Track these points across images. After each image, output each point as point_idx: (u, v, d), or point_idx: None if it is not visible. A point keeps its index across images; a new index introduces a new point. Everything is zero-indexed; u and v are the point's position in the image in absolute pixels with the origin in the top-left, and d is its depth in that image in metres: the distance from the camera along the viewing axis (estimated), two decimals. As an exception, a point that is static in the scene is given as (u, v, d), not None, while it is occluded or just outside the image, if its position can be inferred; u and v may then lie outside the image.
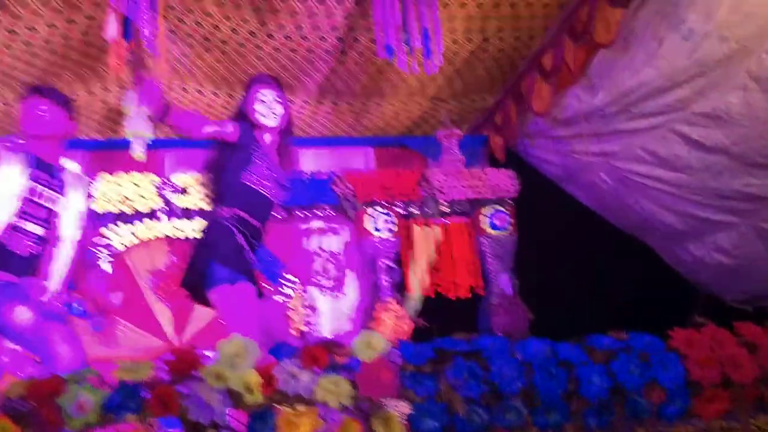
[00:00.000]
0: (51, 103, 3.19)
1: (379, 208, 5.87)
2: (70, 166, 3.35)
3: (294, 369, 1.78)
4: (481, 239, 6.00)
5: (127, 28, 3.61)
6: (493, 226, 6.02)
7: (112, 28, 3.55)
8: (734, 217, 5.09)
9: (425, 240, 6.04)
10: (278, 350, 1.89)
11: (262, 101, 3.17)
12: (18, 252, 2.94)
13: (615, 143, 5.29)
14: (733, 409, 1.87)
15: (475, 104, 6.23)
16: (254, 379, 1.74)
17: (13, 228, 2.93)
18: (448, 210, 6.00)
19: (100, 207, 5.45)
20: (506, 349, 1.90)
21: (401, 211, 5.95)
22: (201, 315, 5.41)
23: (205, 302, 2.86)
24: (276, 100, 3.22)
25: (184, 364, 1.75)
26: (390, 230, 5.84)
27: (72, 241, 3.13)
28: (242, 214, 2.89)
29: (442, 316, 5.71)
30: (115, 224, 5.50)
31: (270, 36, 4.81)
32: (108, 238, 5.45)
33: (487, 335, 1.95)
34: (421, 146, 6.54)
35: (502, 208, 6.08)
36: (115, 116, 5.71)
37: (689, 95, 4.41)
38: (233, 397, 1.72)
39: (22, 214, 2.97)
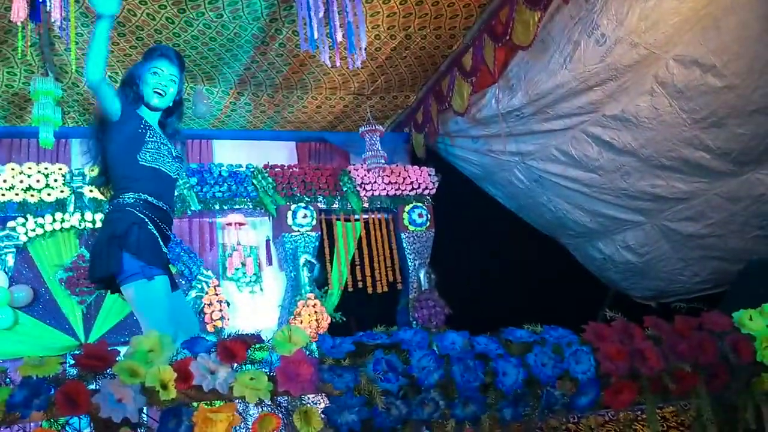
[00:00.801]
0: None
1: (300, 203, 5.83)
2: None
3: (211, 364, 1.74)
4: (401, 235, 6.06)
5: (36, 10, 3.43)
6: (413, 222, 6.09)
7: (19, 9, 3.35)
8: (641, 217, 5.32)
9: (346, 235, 6.05)
10: (194, 345, 1.83)
11: (156, 74, 2.88)
12: None
13: (531, 143, 5.44)
14: (640, 399, 1.95)
15: (397, 101, 6.27)
16: (169, 375, 1.69)
17: None
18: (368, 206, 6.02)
19: (3, 197, 5.17)
20: (425, 342, 1.92)
21: (322, 206, 5.93)
22: (113, 310, 5.22)
23: (119, 292, 2.74)
24: (172, 78, 2.92)
25: (95, 360, 1.68)
26: (311, 225, 5.81)
27: None
28: (150, 198, 2.73)
29: (362, 310, 5.73)
30: (21, 216, 5.20)
31: (188, 23, 4.68)
32: (11, 230, 5.16)
33: (406, 328, 1.96)
34: (343, 142, 6.53)
35: (421, 205, 6.17)
36: (21, 102, 5.44)
37: (601, 98, 4.58)
38: (147, 394, 1.66)
39: None
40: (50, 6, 3.35)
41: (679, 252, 5.40)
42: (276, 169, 5.90)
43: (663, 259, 5.53)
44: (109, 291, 2.80)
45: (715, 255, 5.22)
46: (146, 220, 2.70)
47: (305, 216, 5.81)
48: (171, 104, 2.97)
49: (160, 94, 2.89)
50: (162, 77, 2.89)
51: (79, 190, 5.38)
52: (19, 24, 3.45)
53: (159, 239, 2.73)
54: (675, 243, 5.33)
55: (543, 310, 2.57)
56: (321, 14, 3.73)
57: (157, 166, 2.80)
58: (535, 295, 5.48)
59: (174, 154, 2.90)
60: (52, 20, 3.43)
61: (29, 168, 5.30)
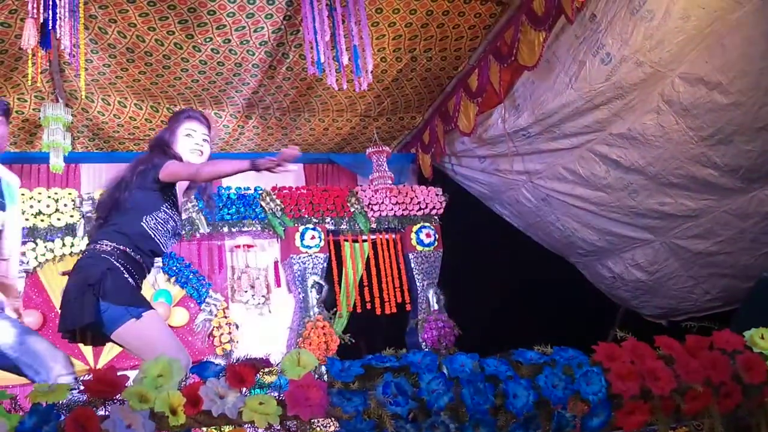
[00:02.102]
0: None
1: (308, 225, 5.85)
2: (11, 178, 3.07)
3: (220, 389, 1.74)
4: (409, 255, 6.05)
5: (46, 37, 3.47)
6: (421, 243, 6.09)
7: (30, 37, 3.39)
8: (650, 234, 5.30)
9: (354, 256, 6.05)
10: (203, 369, 1.83)
11: (190, 136, 2.92)
12: None
13: (538, 162, 5.45)
14: (652, 420, 1.93)
15: (403, 122, 6.30)
16: (178, 400, 1.69)
17: None
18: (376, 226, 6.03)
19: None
20: (434, 364, 1.91)
21: (330, 227, 5.94)
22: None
23: (100, 343, 2.68)
24: (204, 137, 2.96)
25: (104, 386, 1.68)
26: (319, 246, 5.81)
27: (17, 257, 2.96)
28: (127, 250, 2.67)
29: (371, 332, 5.71)
30: (31, 241, 5.23)
31: (196, 48, 4.73)
32: (21, 255, 5.18)
33: (415, 351, 1.95)
34: (350, 163, 6.56)
35: (429, 225, 6.17)
36: (32, 128, 5.49)
37: (607, 117, 4.59)
38: (156, 420, 1.66)
39: None
40: (60, 33, 3.40)
41: (688, 270, 5.36)
42: (284, 191, 5.92)
43: (673, 277, 5.50)
44: (81, 343, 2.72)
45: (725, 272, 5.19)
46: (121, 268, 2.64)
47: (313, 237, 5.81)
48: None
49: (197, 153, 2.94)
50: (196, 137, 2.94)
51: (89, 214, 5.41)
52: (29, 51, 3.49)
53: (134, 286, 2.69)
54: (684, 261, 5.30)
55: (553, 330, 2.56)
56: (327, 38, 3.77)
57: (153, 236, 2.77)
58: (545, 315, 5.46)
59: (174, 232, 2.89)
60: (62, 47, 3.48)
61: (39, 193, 5.34)
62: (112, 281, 2.56)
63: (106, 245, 2.67)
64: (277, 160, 2.52)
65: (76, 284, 2.60)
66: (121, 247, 2.67)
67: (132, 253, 2.70)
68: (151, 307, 2.68)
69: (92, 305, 2.50)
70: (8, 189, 2.99)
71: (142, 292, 2.77)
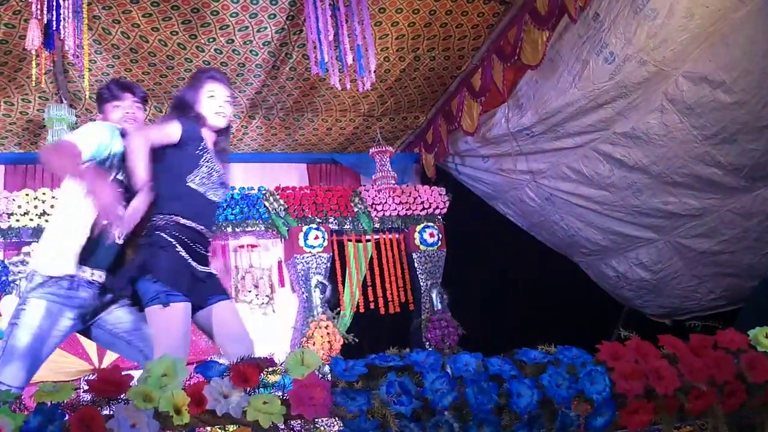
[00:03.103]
0: None
1: (311, 224, 5.85)
2: None
3: (224, 388, 1.74)
4: (413, 255, 6.05)
5: (50, 38, 3.48)
6: (424, 242, 6.09)
7: (33, 38, 3.40)
8: (654, 234, 5.29)
9: (357, 256, 6.05)
10: (207, 369, 1.83)
11: (213, 97, 2.92)
12: None
13: (541, 162, 5.44)
14: (656, 419, 1.93)
15: (406, 122, 6.30)
16: (183, 399, 1.69)
17: None
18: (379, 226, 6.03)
19: (18, 222, 5.21)
20: (438, 364, 1.91)
21: (334, 227, 5.94)
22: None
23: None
24: (226, 99, 2.95)
25: (109, 385, 1.69)
26: (322, 246, 5.81)
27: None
28: (182, 220, 2.70)
29: (374, 331, 5.71)
30: (36, 241, 5.23)
31: (200, 49, 4.74)
32: (26, 255, 5.19)
33: (419, 350, 1.95)
34: (353, 163, 6.56)
35: (432, 225, 6.16)
36: (36, 128, 5.50)
37: (611, 116, 4.59)
38: (161, 419, 1.66)
39: None
40: (64, 34, 3.41)
41: (692, 269, 5.35)
42: (287, 191, 5.92)
43: (677, 276, 5.49)
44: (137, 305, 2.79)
45: (729, 272, 5.17)
46: (174, 242, 2.68)
47: (317, 237, 5.81)
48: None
49: (221, 114, 2.92)
50: (219, 99, 2.93)
51: (92, 214, 5.41)
52: (33, 52, 3.51)
53: (189, 260, 2.70)
54: (688, 260, 5.29)
55: (556, 329, 2.56)
56: (331, 38, 3.77)
57: (204, 192, 2.81)
58: (549, 314, 5.44)
59: (221, 180, 2.91)
60: (66, 48, 3.49)
61: (43, 194, 5.35)
62: (165, 261, 2.63)
63: (159, 220, 2.70)
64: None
65: (131, 265, 2.69)
66: (174, 218, 2.70)
67: (186, 222, 2.73)
68: (193, 293, 2.69)
69: (145, 285, 2.61)
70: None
71: (207, 258, 2.83)
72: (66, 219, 2.75)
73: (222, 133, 3.01)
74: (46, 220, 5.27)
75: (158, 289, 2.58)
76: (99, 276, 2.72)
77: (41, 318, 2.58)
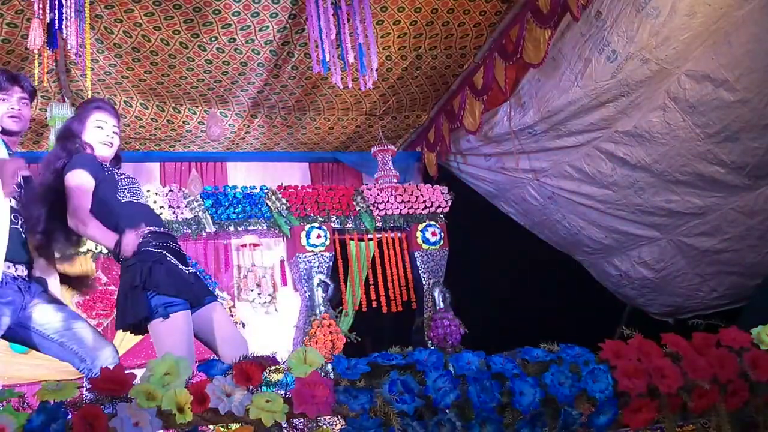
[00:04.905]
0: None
1: (313, 223, 5.85)
2: None
3: (227, 386, 1.74)
4: (415, 254, 6.05)
5: (53, 37, 3.48)
6: (426, 241, 6.08)
7: (36, 37, 3.40)
8: (656, 232, 5.29)
9: (359, 255, 6.05)
10: (210, 367, 1.84)
11: (100, 128, 2.92)
12: None
13: (544, 160, 5.44)
14: (659, 418, 1.93)
15: (408, 121, 6.30)
16: (185, 398, 1.69)
17: None
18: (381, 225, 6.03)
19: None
20: (440, 362, 1.91)
21: (336, 226, 5.94)
22: (129, 333, 5.22)
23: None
24: (114, 130, 2.97)
25: (112, 384, 1.69)
26: (324, 245, 5.81)
27: None
28: (152, 228, 2.75)
29: (377, 330, 5.72)
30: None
31: (201, 48, 4.74)
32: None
33: (421, 349, 1.95)
34: (355, 161, 6.56)
35: (434, 223, 6.16)
36: (38, 128, 5.51)
37: (613, 114, 4.58)
38: (164, 417, 1.66)
39: None
40: (66, 33, 3.42)
41: (695, 267, 5.35)
42: (290, 190, 5.92)
43: (679, 274, 5.48)
44: (140, 334, 2.80)
45: (732, 270, 5.17)
46: (164, 252, 2.72)
47: (319, 236, 5.81)
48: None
49: (107, 144, 2.96)
50: (107, 129, 2.95)
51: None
52: (35, 51, 3.51)
53: (179, 265, 2.75)
54: (691, 258, 5.29)
55: (559, 328, 2.56)
56: (332, 36, 3.77)
57: (137, 200, 2.87)
58: (551, 313, 5.45)
59: (136, 186, 2.97)
60: (68, 47, 3.49)
61: (46, 193, 5.35)
62: (162, 272, 2.65)
63: (133, 234, 2.71)
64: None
65: (125, 285, 2.69)
66: (143, 229, 2.72)
67: (153, 228, 2.78)
68: (190, 296, 2.71)
69: (143, 300, 2.60)
70: None
71: (184, 262, 2.84)
72: None
73: (117, 158, 3.08)
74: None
75: (156, 303, 2.60)
76: (22, 271, 2.63)
77: None
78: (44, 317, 2.65)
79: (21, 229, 2.66)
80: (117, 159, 3.08)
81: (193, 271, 2.88)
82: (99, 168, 2.86)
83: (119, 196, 2.83)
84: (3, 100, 2.78)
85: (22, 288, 2.61)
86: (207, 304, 2.86)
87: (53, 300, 2.74)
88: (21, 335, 2.66)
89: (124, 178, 2.91)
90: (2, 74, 2.81)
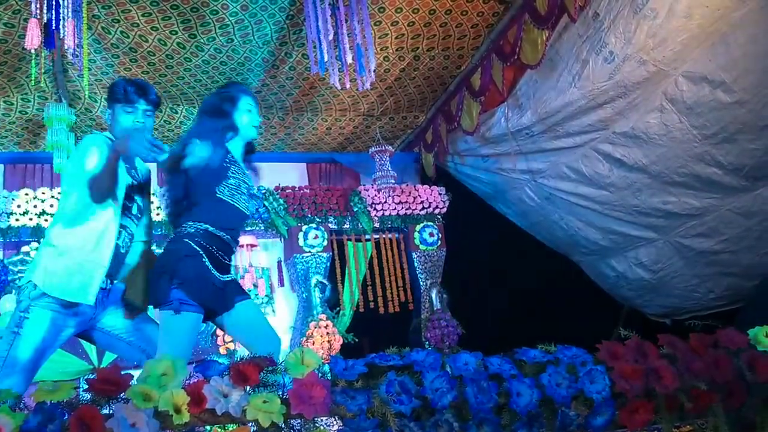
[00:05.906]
0: None
1: (311, 224, 5.85)
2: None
3: (224, 387, 1.74)
4: (412, 254, 6.05)
5: (50, 37, 3.48)
6: (424, 242, 6.09)
7: (33, 37, 3.39)
8: (654, 233, 5.29)
9: (357, 256, 6.05)
10: (207, 368, 1.83)
11: (250, 111, 2.97)
12: None
13: (541, 161, 5.44)
14: (656, 419, 1.93)
15: (406, 121, 6.30)
16: (182, 398, 1.69)
17: None
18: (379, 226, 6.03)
19: (17, 222, 5.21)
20: (438, 363, 1.91)
21: (333, 226, 5.94)
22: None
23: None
24: (257, 111, 3.04)
25: (109, 385, 1.69)
26: (322, 246, 5.81)
27: None
28: (211, 229, 2.71)
29: (374, 331, 5.71)
30: (35, 240, 5.22)
31: (199, 48, 4.73)
32: (25, 255, 5.19)
33: (418, 349, 1.95)
34: (353, 162, 6.56)
35: (432, 224, 6.16)
36: (35, 128, 5.50)
37: (611, 115, 4.58)
38: (161, 418, 1.66)
39: None
40: (63, 33, 3.41)
41: (692, 268, 5.35)
42: (287, 191, 5.92)
43: (677, 275, 5.49)
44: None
45: (730, 271, 5.17)
46: (200, 251, 2.69)
47: (316, 237, 5.81)
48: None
49: (256, 128, 2.99)
50: (255, 113, 2.99)
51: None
52: (33, 51, 3.50)
53: (212, 270, 2.72)
54: (688, 259, 5.29)
55: (556, 329, 2.56)
56: (330, 37, 3.77)
57: (233, 203, 2.81)
58: (548, 314, 5.45)
59: (250, 192, 2.92)
60: (66, 47, 3.48)
61: (43, 193, 5.34)
62: (190, 268, 2.64)
63: (189, 227, 2.72)
64: None
65: (157, 267, 2.72)
66: (204, 227, 2.72)
67: (215, 231, 2.74)
68: (210, 303, 2.70)
69: (165, 290, 2.60)
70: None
71: (230, 267, 2.84)
72: (82, 242, 2.60)
73: (250, 145, 3.06)
74: (46, 220, 5.26)
75: (175, 296, 2.59)
76: (102, 282, 2.65)
77: (45, 331, 2.49)
78: (113, 321, 2.71)
79: (120, 244, 2.71)
80: (251, 143, 3.10)
81: (230, 279, 2.83)
82: (220, 151, 2.82)
83: (218, 190, 2.77)
84: (128, 112, 2.77)
85: (98, 298, 2.63)
86: (238, 303, 2.83)
87: (128, 305, 2.77)
88: (86, 333, 2.73)
89: (235, 177, 2.84)
90: (131, 86, 2.78)
